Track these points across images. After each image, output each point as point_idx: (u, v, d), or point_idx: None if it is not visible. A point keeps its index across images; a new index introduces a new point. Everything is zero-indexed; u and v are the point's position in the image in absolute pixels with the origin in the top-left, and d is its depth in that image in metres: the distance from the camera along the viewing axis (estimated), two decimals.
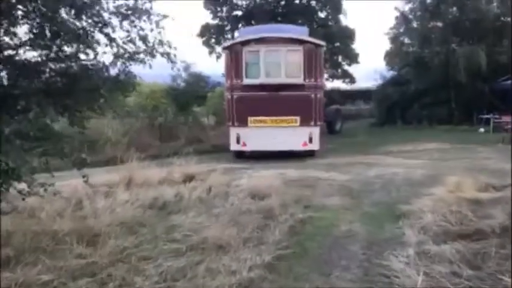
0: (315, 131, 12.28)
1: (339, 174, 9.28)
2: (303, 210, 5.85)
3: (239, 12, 38.36)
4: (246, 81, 12.20)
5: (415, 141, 16.23)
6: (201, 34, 35.33)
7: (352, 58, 39.78)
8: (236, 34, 21.09)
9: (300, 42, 12.10)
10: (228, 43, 13.17)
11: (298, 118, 12.08)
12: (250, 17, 33.68)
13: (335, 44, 39.24)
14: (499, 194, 6.25)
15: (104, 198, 6.23)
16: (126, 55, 4.90)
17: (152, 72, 5.34)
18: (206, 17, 37.53)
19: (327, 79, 37.64)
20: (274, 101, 11.95)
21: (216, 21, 37.63)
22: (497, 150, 13.15)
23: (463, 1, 23.31)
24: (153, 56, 5.03)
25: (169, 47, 5.07)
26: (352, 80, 40.76)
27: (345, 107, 32.74)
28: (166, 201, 5.95)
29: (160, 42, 5.09)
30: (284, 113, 12.00)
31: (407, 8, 25.73)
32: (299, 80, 12.01)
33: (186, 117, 17.72)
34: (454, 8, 24.33)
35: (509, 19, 24.35)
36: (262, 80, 12.07)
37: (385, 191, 7.34)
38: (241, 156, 12.85)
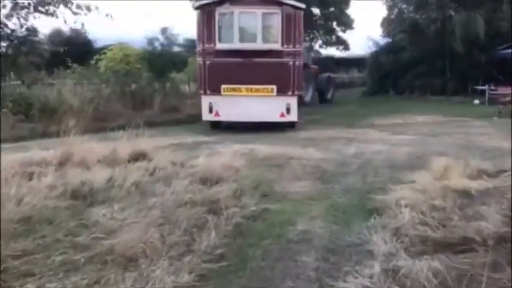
0: (293, 101, 11.42)
1: (315, 151, 8.30)
2: (258, 201, 4.87)
3: None
4: (219, 46, 11.28)
5: (405, 113, 15.30)
6: None
7: (347, 24, 38.37)
8: None
9: (278, 4, 11.09)
10: (199, 2, 11.99)
11: (274, 87, 11.22)
12: None
13: (329, 9, 37.81)
14: (494, 183, 5.29)
15: (26, 181, 5.22)
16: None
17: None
18: None
19: (320, 46, 36.52)
20: (249, 68, 11.09)
21: None
22: (492, 124, 12.21)
23: None
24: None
25: None
26: (346, 47, 39.48)
27: (338, 75, 31.63)
28: (94, 188, 4.94)
29: None
30: (260, 82, 11.15)
31: None
32: (277, 46, 11.13)
33: (163, 84, 16.54)
34: None
35: None
36: (236, 45, 11.14)
37: (361, 174, 6.37)
38: (217, 127, 12.03)
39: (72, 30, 45.26)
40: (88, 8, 5.62)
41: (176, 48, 18.79)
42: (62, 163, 6.10)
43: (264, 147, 8.71)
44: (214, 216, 4.25)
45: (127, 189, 4.99)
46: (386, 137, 10.15)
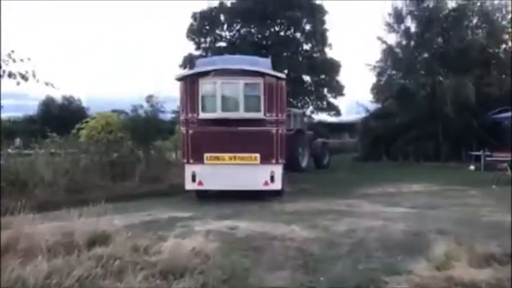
0: (277, 169, 11.12)
1: (301, 229, 7.50)
2: None
3: (223, 44, 37.40)
4: (202, 115, 11.17)
5: (399, 181, 14.59)
6: (184, 65, 34.09)
7: (338, 90, 38.75)
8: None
9: (260, 74, 11.11)
10: (182, 74, 12.29)
11: (258, 155, 10.97)
12: (234, 48, 32.57)
13: (320, 76, 38.32)
14: (505, 272, 4.50)
15: None
16: None
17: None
18: (189, 47, 36.40)
19: (312, 111, 36.58)
20: (232, 136, 10.93)
21: (199, 52, 36.59)
22: (491, 194, 11.52)
23: (448, 30, 22.16)
24: None
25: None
26: (338, 113, 39.66)
27: (330, 140, 31.34)
28: None
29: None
30: (243, 150, 10.95)
31: (390, 38, 24.51)
32: (259, 115, 11.00)
33: (147, 152, 15.89)
34: (440, 39, 23.19)
35: (496, 50, 23.31)
36: (219, 114, 11.03)
37: (352, 260, 5.55)
38: (203, 196, 11.64)
39: (64, 97, 45.80)
40: (24, 77, 5.00)
41: (162, 116, 18.34)
42: (7, 250, 5.26)
43: (244, 224, 7.91)
44: None
45: None
46: (379, 210, 9.39)
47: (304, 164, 18.85)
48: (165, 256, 5.25)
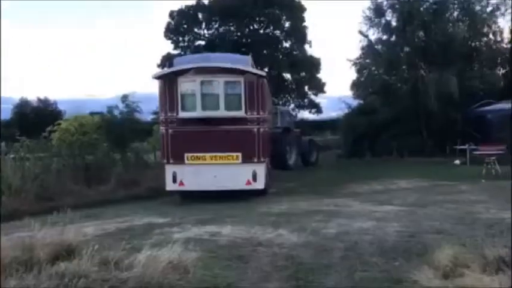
0: (260, 168, 10.93)
1: (289, 232, 6.98)
2: None
3: (202, 42, 36.75)
4: (182, 114, 10.91)
5: (385, 178, 14.17)
6: (162, 64, 33.30)
7: (318, 87, 38.46)
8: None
9: (241, 72, 10.87)
10: (160, 72, 12.14)
11: (240, 154, 10.77)
12: (213, 46, 31.95)
13: (301, 74, 37.96)
14: None
15: None
16: None
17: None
18: (167, 47, 35.79)
19: (293, 109, 36.14)
20: (213, 136, 10.70)
21: (177, 51, 35.87)
22: (483, 189, 11.16)
23: (429, 24, 21.89)
24: None
25: None
26: (319, 110, 39.39)
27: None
28: None
29: None
30: (224, 149, 10.75)
31: (371, 32, 24.15)
32: (240, 113, 10.79)
33: (123, 155, 15.18)
34: (421, 33, 22.93)
35: (478, 43, 23.19)
36: (199, 113, 10.81)
37: (346, 268, 5.00)
38: (187, 196, 11.25)
39: (39, 99, 44.42)
40: None
41: (142, 116, 17.59)
42: None
43: (227, 229, 7.36)
44: None
45: None
46: (370, 209, 8.89)
47: (291, 161, 18.69)
48: (137, 271, 4.64)
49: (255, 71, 11.39)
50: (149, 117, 19.63)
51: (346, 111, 26.31)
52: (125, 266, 4.91)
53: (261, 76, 11.21)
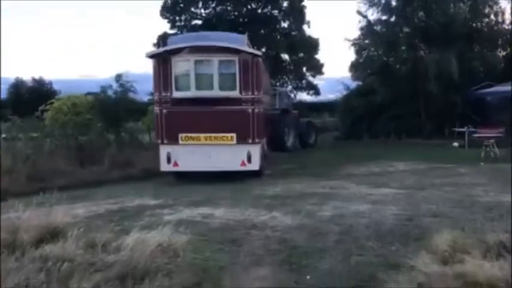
0: (255, 149, 10.78)
1: (283, 214, 6.82)
2: None
3: (199, 22, 36.15)
4: (176, 94, 10.69)
5: (383, 160, 14.01)
6: (158, 44, 32.77)
7: (317, 69, 38.03)
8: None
9: (235, 51, 10.61)
10: (154, 51, 11.71)
11: (234, 135, 10.60)
12: (210, 26, 31.41)
13: (299, 55, 37.47)
14: None
15: None
16: None
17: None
18: (164, 26, 35.14)
19: (291, 91, 35.76)
20: (207, 116, 10.52)
21: (174, 31, 35.29)
22: (482, 172, 11.00)
23: (430, 4, 21.47)
24: None
25: None
26: (317, 92, 39.01)
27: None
28: None
29: None
30: (219, 130, 10.58)
31: (370, 12, 23.69)
32: (235, 93, 10.57)
33: (117, 135, 14.96)
34: (421, 13, 22.51)
35: (479, 24, 22.81)
36: (193, 93, 10.57)
37: (342, 252, 4.85)
38: (182, 177, 11.22)
39: (34, 79, 43.88)
40: None
41: (137, 97, 17.28)
42: None
43: (220, 211, 7.19)
44: None
45: None
46: (366, 192, 8.71)
47: (289, 143, 18.54)
48: (125, 254, 4.47)
49: (250, 50, 11.11)
50: (146, 98, 19.32)
51: (345, 92, 26.06)
52: (112, 249, 4.75)
53: (256, 55, 10.95)
